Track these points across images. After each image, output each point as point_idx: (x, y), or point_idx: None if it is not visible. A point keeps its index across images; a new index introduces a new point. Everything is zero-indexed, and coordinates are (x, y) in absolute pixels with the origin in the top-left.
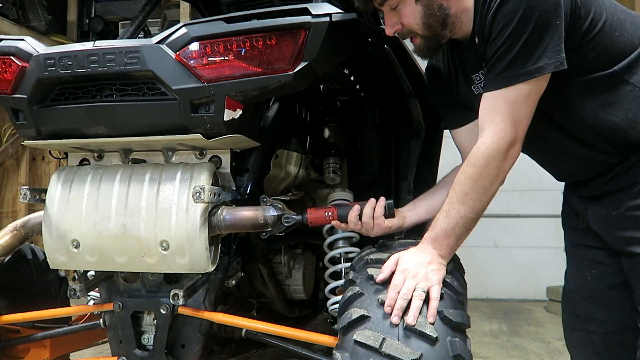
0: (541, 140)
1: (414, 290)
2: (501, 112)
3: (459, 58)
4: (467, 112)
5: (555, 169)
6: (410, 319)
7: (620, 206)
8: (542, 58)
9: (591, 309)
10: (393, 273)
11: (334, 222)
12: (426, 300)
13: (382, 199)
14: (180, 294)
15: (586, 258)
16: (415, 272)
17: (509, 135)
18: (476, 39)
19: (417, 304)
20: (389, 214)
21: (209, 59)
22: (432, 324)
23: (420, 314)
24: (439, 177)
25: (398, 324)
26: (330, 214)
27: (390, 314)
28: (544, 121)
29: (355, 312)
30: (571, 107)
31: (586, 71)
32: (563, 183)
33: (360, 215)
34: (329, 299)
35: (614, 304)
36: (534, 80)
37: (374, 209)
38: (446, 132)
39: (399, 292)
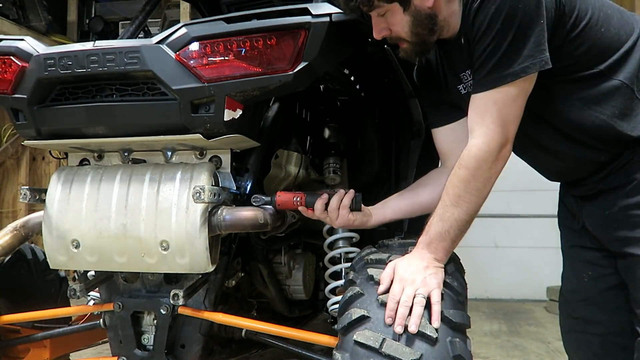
0: (531, 140)
1: (414, 298)
2: (490, 113)
3: (446, 56)
4: (452, 111)
5: (546, 170)
6: (412, 327)
7: (614, 205)
8: (527, 58)
9: (589, 311)
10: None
11: (300, 208)
12: (427, 306)
13: (352, 191)
14: (180, 294)
15: (582, 259)
16: (412, 278)
17: (499, 136)
18: (462, 39)
19: (418, 311)
20: (355, 207)
21: (209, 59)
22: (437, 329)
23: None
24: None
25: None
26: (298, 199)
27: (392, 323)
28: (533, 121)
29: (355, 313)
30: (558, 105)
31: (572, 69)
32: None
33: (327, 205)
34: (329, 299)
35: (611, 305)
36: (521, 80)
37: (342, 200)
38: None
39: (398, 302)
